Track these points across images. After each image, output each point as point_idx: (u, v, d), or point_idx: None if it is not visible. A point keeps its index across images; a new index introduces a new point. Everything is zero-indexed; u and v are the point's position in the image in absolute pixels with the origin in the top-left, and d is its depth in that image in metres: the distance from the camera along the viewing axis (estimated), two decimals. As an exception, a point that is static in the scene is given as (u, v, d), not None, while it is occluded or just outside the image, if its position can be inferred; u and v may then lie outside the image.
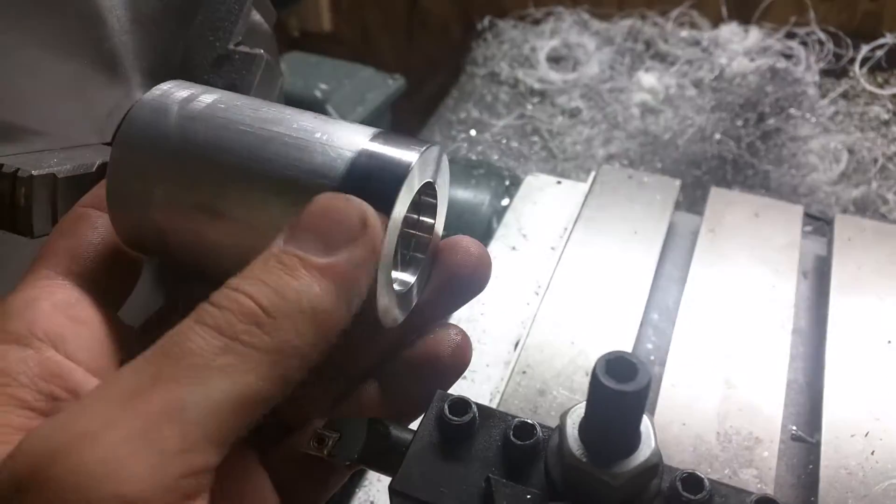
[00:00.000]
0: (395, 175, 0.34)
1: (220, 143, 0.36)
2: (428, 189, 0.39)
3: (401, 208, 0.35)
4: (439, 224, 0.42)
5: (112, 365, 0.34)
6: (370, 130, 0.37)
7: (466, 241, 0.41)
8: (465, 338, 0.41)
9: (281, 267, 0.31)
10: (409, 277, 0.41)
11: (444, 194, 0.41)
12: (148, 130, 0.36)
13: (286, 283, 0.30)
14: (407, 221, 0.41)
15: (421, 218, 0.42)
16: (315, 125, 0.36)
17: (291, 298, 0.30)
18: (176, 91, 0.38)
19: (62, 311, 0.34)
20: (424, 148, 0.36)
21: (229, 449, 0.29)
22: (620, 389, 0.30)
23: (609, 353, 0.31)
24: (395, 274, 0.41)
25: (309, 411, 0.40)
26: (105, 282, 0.37)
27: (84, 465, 0.25)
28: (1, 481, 0.26)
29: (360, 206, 0.32)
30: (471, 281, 0.41)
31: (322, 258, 0.31)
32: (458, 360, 0.41)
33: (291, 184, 0.34)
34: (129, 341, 0.36)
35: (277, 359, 0.29)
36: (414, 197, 0.39)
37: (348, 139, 0.36)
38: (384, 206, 0.34)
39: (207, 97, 0.38)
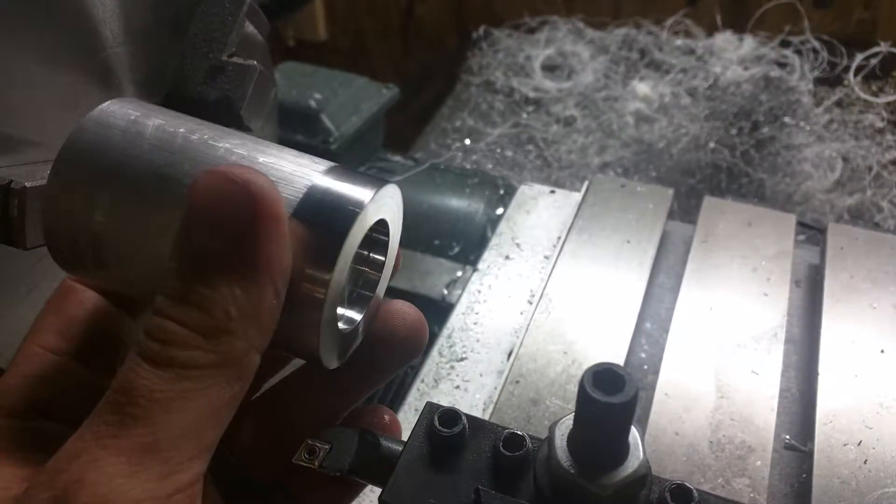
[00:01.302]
0: (347, 212, 0.33)
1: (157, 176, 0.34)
2: (380, 226, 0.38)
3: (350, 248, 0.34)
4: (391, 260, 0.41)
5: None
6: (325, 164, 0.36)
7: (403, 306, 0.41)
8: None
9: (191, 276, 0.30)
10: (356, 315, 0.40)
11: (397, 232, 0.40)
12: (91, 150, 0.35)
13: (206, 298, 0.30)
14: (357, 258, 0.40)
15: (371, 255, 0.41)
16: (272, 153, 0.35)
17: (217, 312, 0.30)
18: (121, 111, 0.36)
19: (50, 384, 0.36)
20: (378, 187, 0.35)
21: (213, 449, 0.30)
22: (608, 401, 0.30)
23: (596, 365, 0.31)
24: (342, 311, 0.39)
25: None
26: (94, 352, 0.39)
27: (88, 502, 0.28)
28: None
29: (252, 186, 0.30)
30: (406, 347, 0.40)
31: (229, 253, 0.30)
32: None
33: None
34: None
35: (229, 365, 0.30)
36: (367, 233, 0.37)
37: (303, 172, 0.34)
38: (335, 242, 0.33)
39: (154, 121, 0.36)
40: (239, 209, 0.30)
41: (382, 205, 0.37)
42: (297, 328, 0.34)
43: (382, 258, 0.41)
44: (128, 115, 0.36)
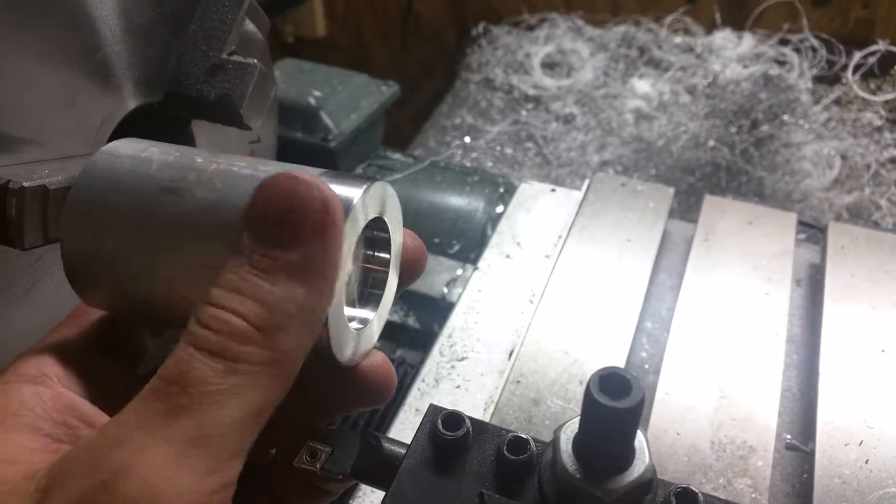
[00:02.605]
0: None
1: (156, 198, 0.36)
2: (380, 224, 0.39)
3: (347, 246, 0.34)
4: (396, 257, 0.42)
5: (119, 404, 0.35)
6: (317, 171, 0.36)
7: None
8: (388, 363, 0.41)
9: (252, 271, 0.30)
10: (368, 314, 0.41)
11: (398, 229, 0.41)
12: (102, 182, 0.37)
13: (268, 293, 0.30)
14: (364, 257, 0.41)
15: (376, 253, 0.42)
16: (258, 171, 0.36)
17: (278, 308, 0.30)
18: (124, 150, 0.38)
19: (70, 357, 0.36)
20: (368, 184, 0.36)
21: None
22: (614, 406, 0.30)
23: (603, 369, 0.31)
24: (353, 311, 0.41)
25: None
26: (118, 346, 0.39)
27: (129, 492, 0.27)
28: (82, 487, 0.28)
29: (323, 192, 0.31)
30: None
31: (294, 253, 0.30)
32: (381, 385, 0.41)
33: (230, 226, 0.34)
34: (137, 385, 0.38)
35: (279, 365, 0.30)
36: (367, 233, 0.39)
37: None
38: None
39: (154, 155, 0.38)
40: (313, 207, 0.30)
41: (374, 203, 0.37)
42: None
43: (388, 255, 0.41)
44: (135, 147, 0.38)
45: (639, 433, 0.33)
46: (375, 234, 0.41)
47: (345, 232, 0.33)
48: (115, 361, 0.38)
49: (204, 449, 0.28)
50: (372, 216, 0.37)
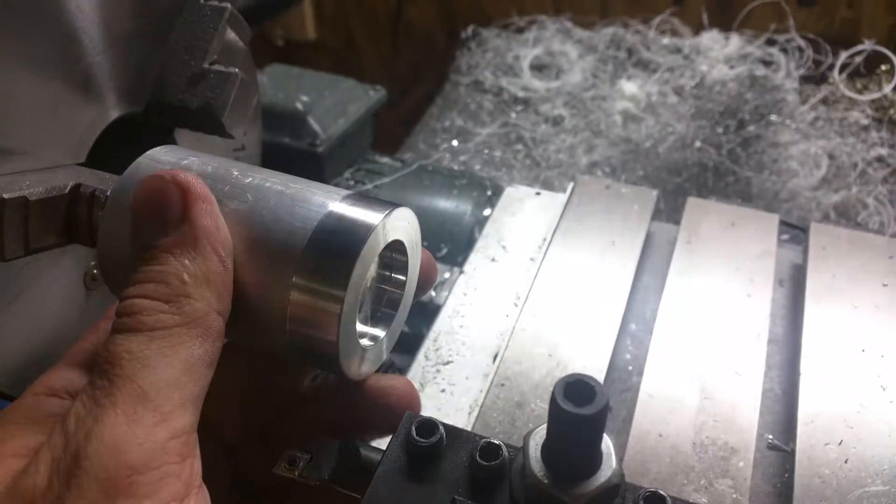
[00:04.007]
0: (357, 235, 0.36)
1: None
2: (398, 247, 0.41)
3: (363, 267, 0.36)
4: (412, 280, 0.44)
5: None
6: (342, 192, 0.39)
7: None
8: (413, 389, 0.45)
9: (147, 262, 0.36)
10: (379, 332, 0.43)
11: (416, 252, 0.43)
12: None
13: (158, 272, 0.36)
14: (380, 278, 0.43)
15: (393, 275, 0.44)
16: (289, 188, 0.39)
17: (171, 281, 0.36)
18: (165, 157, 0.41)
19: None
20: (389, 209, 0.38)
21: (200, 406, 0.35)
22: (578, 413, 0.30)
23: (568, 376, 0.32)
24: (365, 328, 0.42)
25: None
26: None
27: (97, 451, 0.32)
28: (62, 459, 0.33)
29: (174, 180, 0.37)
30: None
31: (168, 237, 0.36)
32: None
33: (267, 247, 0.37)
34: None
35: (193, 325, 0.35)
36: (385, 255, 0.41)
37: (319, 201, 0.38)
38: (346, 264, 0.36)
39: (194, 164, 0.41)
40: (171, 196, 0.37)
41: (396, 226, 0.39)
42: (318, 342, 0.37)
43: (404, 278, 0.43)
44: (176, 154, 0.42)
45: (605, 438, 0.33)
46: (394, 256, 0.43)
47: (363, 253, 0.36)
48: None
49: (148, 404, 0.33)
50: (391, 239, 0.39)
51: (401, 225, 0.40)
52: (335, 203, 0.38)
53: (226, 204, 0.38)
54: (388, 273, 0.44)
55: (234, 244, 0.38)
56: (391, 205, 0.38)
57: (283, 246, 0.36)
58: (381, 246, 0.38)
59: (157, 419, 0.33)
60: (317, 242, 0.36)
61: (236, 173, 0.40)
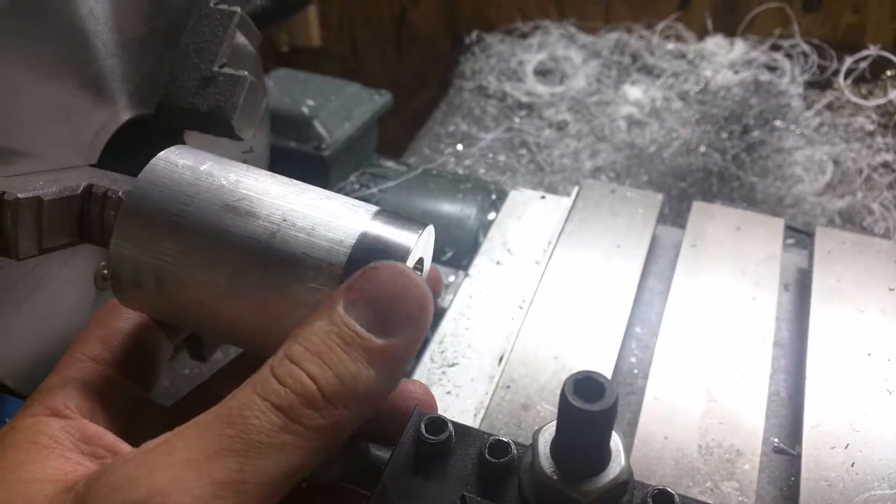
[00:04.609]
0: (398, 257, 0.36)
1: (223, 233, 0.37)
2: (418, 263, 0.41)
3: None
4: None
5: (136, 432, 0.37)
6: (371, 209, 0.38)
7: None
8: (429, 395, 0.43)
9: (340, 343, 0.32)
10: None
11: (428, 266, 0.43)
12: (158, 204, 0.38)
13: (346, 367, 0.32)
14: None
15: None
16: (317, 205, 0.38)
17: (349, 384, 0.32)
18: (182, 159, 0.40)
19: (92, 389, 0.38)
20: (421, 230, 0.38)
21: None
22: (588, 409, 0.31)
23: (577, 373, 0.32)
24: None
25: None
26: (133, 364, 0.41)
27: None
28: None
29: (423, 291, 0.33)
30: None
31: (381, 339, 0.32)
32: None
33: (301, 265, 0.36)
34: (153, 413, 0.41)
35: (329, 435, 0.32)
36: None
37: (350, 221, 0.37)
38: None
39: (214, 169, 0.39)
40: (411, 308, 0.33)
41: (422, 245, 0.39)
42: None
43: None
44: (194, 158, 0.40)
45: (614, 435, 0.34)
46: (414, 268, 0.43)
47: None
48: (130, 385, 0.40)
49: (237, 494, 0.29)
50: (418, 257, 0.39)
51: (425, 242, 0.40)
52: (367, 222, 0.37)
53: (253, 218, 0.37)
54: None
55: (260, 261, 0.36)
56: (420, 224, 0.39)
57: (320, 263, 0.36)
58: (412, 264, 0.38)
59: None
60: (353, 265, 0.36)
61: (257, 185, 0.39)
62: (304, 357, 0.32)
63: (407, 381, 0.43)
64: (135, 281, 0.39)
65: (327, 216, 0.37)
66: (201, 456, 0.30)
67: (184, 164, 0.39)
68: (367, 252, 0.36)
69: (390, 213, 0.39)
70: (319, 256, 0.36)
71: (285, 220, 0.37)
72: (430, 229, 0.40)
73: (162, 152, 0.40)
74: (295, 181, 0.40)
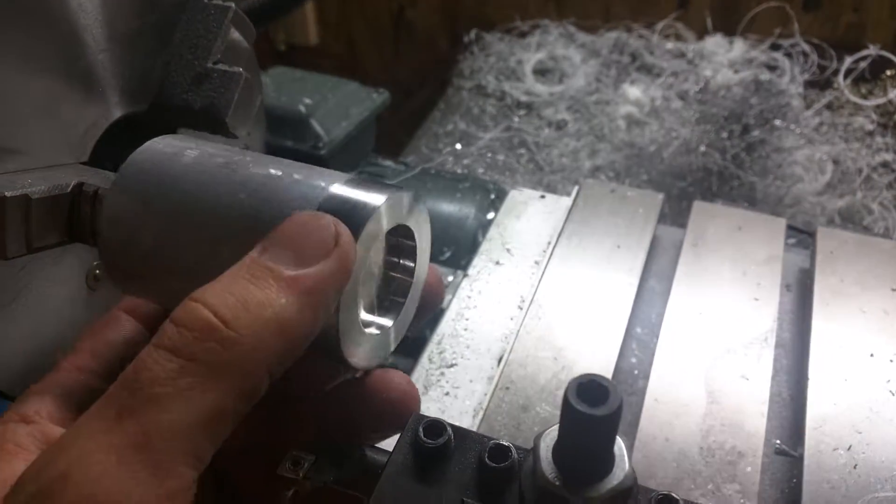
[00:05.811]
0: (359, 216, 0.35)
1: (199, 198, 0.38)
2: (406, 232, 0.40)
3: (363, 250, 0.35)
4: (422, 266, 0.42)
5: None
6: (344, 176, 0.38)
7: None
8: (412, 385, 0.42)
9: (249, 278, 0.31)
10: (387, 322, 0.41)
11: (425, 238, 0.42)
12: (142, 178, 0.39)
13: (250, 293, 0.30)
14: (387, 264, 0.42)
15: (401, 261, 0.42)
16: (290, 171, 0.38)
17: (254, 310, 0.30)
18: (164, 147, 0.40)
19: (70, 398, 0.37)
20: (392, 191, 0.37)
21: (208, 461, 0.29)
22: (592, 413, 0.30)
23: (581, 377, 0.31)
24: (371, 317, 0.41)
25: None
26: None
27: (67, 499, 0.27)
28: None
29: (332, 223, 0.33)
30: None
31: (292, 270, 0.31)
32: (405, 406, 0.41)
33: (265, 226, 0.35)
34: None
35: (240, 373, 0.29)
36: (392, 240, 0.40)
37: (320, 184, 0.37)
38: None
39: (191, 153, 0.40)
40: (322, 247, 0.32)
41: (398, 211, 0.38)
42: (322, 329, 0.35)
43: (413, 264, 0.42)
44: (176, 143, 0.41)
45: (618, 440, 0.33)
46: (401, 241, 0.42)
47: (363, 236, 0.35)
48: None
49: (145, 455, 0.27)
50: (397, 223, 0.38)
51: (405, 209, 0.39)
52: (337, 185, 0.37)
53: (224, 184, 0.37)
54: (396, 259, 0.42)
55: (236, 227, 0.36)
56: (396, 188, 0.37)
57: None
58: (385, 230, 0.37)
59: (153, 475, 0.27)
60: None
61: (237, 158, 0.39)
62: (206, 292, 0.30)
63: (390, 372, 0.42)
64: (125, 248, 0.39)
65: (298, 184, 0.37)
66: (102, 427, 0.28)
67: (169, 151, 0.40)
68: (332, 210, 0.35)
69: (369, 178, 0.38)
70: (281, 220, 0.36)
71: (265, 185, 0.37)
72: (410, 196, 0.39)
73: (147, 142, 0.41)
74: (278, 158, 0.40)
